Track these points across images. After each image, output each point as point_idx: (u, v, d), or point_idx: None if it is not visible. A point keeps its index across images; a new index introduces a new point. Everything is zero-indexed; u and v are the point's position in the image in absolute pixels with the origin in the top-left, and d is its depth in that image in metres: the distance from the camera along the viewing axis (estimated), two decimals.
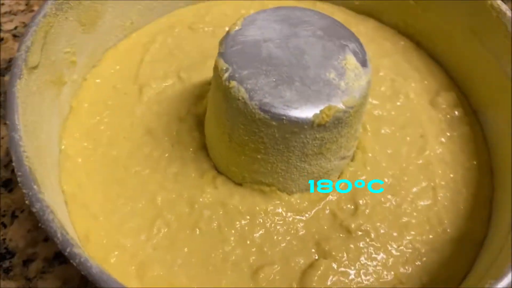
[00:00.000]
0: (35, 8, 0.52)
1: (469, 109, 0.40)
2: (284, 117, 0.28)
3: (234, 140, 0.31)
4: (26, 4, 0.52)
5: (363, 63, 0.30)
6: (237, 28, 0.31)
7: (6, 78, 0.46)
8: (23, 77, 0.29)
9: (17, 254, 0.36)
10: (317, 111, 0.28)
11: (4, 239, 0.37)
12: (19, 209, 0.38)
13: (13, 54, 0.48)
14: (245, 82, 0.29)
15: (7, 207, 0.39)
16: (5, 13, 0.51)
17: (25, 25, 0.50)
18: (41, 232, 0.37)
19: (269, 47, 0.31)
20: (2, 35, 0.49)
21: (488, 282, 0.24)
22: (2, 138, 0.42)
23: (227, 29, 0.43)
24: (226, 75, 0.29)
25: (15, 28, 0.50)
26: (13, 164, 0.26)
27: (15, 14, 0.51)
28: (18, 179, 0.25)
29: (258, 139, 0.30)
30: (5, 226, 0.38)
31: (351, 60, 0.30)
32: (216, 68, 0.30)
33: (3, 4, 0.51)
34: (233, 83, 0.29)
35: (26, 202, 0.25)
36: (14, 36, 0.49)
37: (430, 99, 0.40)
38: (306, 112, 0.28)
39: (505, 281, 0.24)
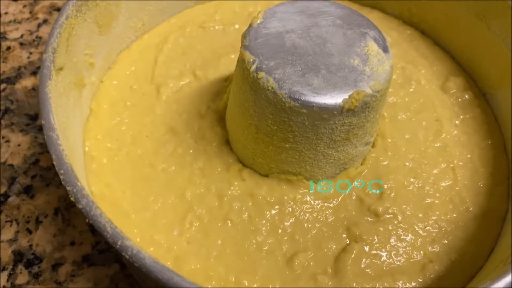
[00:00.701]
0: (39, 15, 0.52)
1: (479, 92, 0.41)
2: (314, 104, 0.29)
3: (262, 131, 0.32)
4: (30, 12, 0.52)
5: (385, 48, 0.31)
6: (259, 21, 0.32)
7: (17, 86, 0.46)
8: (52, 78, 0.29)
9: (45, 259, 0.36)
10: (345, 96, 0.29)
11: (30, 245, 0.37)
12: (42, 215, 0.38)
13: (21, 62, 0.48)
14: (273, 72, 0.29)
15: (31, 213, 0.38)
16: (10, 21, 0.51)
17: (31, 33, 0.50)
18: (66, 236, 0.37)
19: (292, 37, 0.31)
20: (8, 43, 0.49)
21: None
22: (19, 145, 0.42)
23: (237, 26, 0.44)
24: (253, 66, 0.30)
25: (21, 36, 0.50)
26: (54, 163, 0.26)
27: (19, 22, 0.51)
28: (61, 177, 0.25)
29: (287, 128, 0.30)
30: (30, 232, 0.38)
31: (373, 47, 0.31)
32: (242, 60, 0.31)
33: (7, 13, 0.51)
34: (262, 74, 0.29)
35: (72, 199, 0.25)
36: (21, 44, 0.49)
37: (440, 84, 0.41)
38: (335, 98, 0.29)
39: None
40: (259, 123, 0.32)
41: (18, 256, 0.36)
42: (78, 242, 0.37)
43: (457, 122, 0.39)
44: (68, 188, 0.25)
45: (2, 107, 0.44)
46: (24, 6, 0.52)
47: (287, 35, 0.31)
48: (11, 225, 0.38)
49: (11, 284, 0.35)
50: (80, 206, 0.24)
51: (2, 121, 0.43)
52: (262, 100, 0.30)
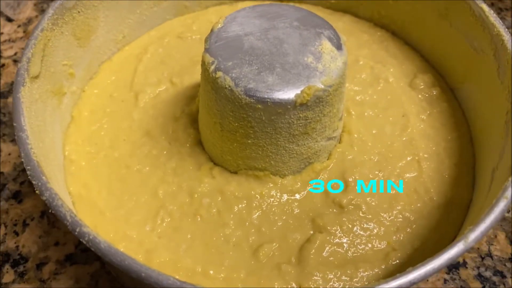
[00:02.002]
0: None
1: (446, 87, 0.42)
2: (269, 100, 0.30)
3: (226, 128, 0.33)
4: (24, 31, 0.55)
5: (338, 46, 0.33)
6: (219, 26, 0.34)
7: (9, 99, 0.49)
8: (26, 85, 0.32)
9: (31, 258, 0.38)
10: (298, 91, 0.30)
11: (17, 246, 0.39)
12: (29, 218, 0.41)
13: (14, 78, 0.50)
14: (230, 71, 0.31)
15: (18, 216, 0.41)
16: (5, 41, 0.54)
17: None
18: (51, 237, 0.39)
19: (250, 39, 0.33)
20: (3, 61, 0.52)
21: (467, 228, 0.26)
22: (9, 154, 0.44)
23: None
24: (212, 67, 0.32)
25: (15, 54, 0.53)
26: (22, 159, 0.28)
27: (14, 41, 0.54)
28: (28, 172, 0.27)
29: (247, 124, 0.32)
30: (17, 234, 0.40)
31: (327, 45, 0.33)
32: (203, 62, 0.33)
33: (2, 33, 0.54)
34: (219, 73, 0.31)
35: (36, 191, 0.27)
36: (15, 61, 0.52)
37: (408, 82, 0.42)
38: (288, 94, 0.30)
39: (480, 228, 0.25)
40: (222, 121, 0.33)
41: (5, 257, 0.38)
42: (62, 243, 0.39)
43: (423, 116, 0.40)
44: (34, 182, 0.27)
45: None
46: (19, 26, 0.55)
47: (245, 37, 0.33)
48: None
49: None
50: (44, 198, 0.26)
51: None
52: (222, 99, 0.32)
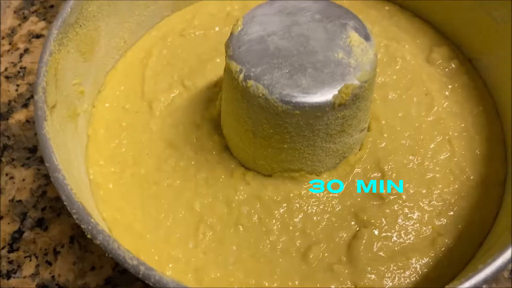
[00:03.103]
0: (20, 45, 0.51)
1: (464, 59, 0.42)
2: (306, 104, 0.29)
3: (259, 135, 0.32)
4: (10, 43, 0.52)
5: (366, 37, 0.32)
6: (239, 28, 0.32)
7: (10, 121, 0.46)
8: (47, 118, 0.30)
9: (69, 287, 0.37)
10: (335, 92, 0.29)
11: (53, 276, 0.38)
12: (59, 245, 0.39)
13: (10, 96, 0.48)
14: (262, 78, 0.30)
15: (47, 245, 0.39)
16: None
17: (15, 65, 0.50)
18: (86, 262, 0.38)
19: (274, 40, 0.32)
20: None
21: None
22: (23, 180, 0.43)
23: (217, 29, 0.44)
24: (241, 76, 0.30)
25: (6, 69, 0.50)
26: (65, 203, 0.27)
27: (1, 55, 0.51)
28: (74, 216, 0.26)
29: (283, 130, 0.31)
30: (50, 264, 0.39)
31: (355, 37, 0.32)
32: (229, 71, 0.31)
33: None
34: (251, 82, 0.30)
35: (88, 236, 0.26)
36: (7, 77, 0.49)
37: (425, 57, 0.42)
38: (325, 95, 0.29)
39: None
40: (255, 128, 0.32)
41: None
42: (98, 266, 0.38)
43: (446, 93, 0.40)
44: (83, 226, 0.26)
45: (0, 145, 0.44)
46: (3, 37, 0.52)
47: (269, 38, 0.32)
48: (30, 260, 0.39)
49: None
50: (98, 242, 0.25)
51: (3, 158, 0.44)
52: (255, 107, 0.31)
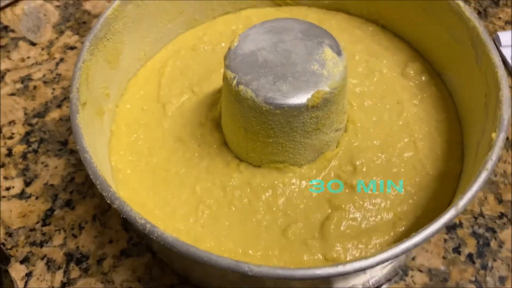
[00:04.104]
0: (56, 55, 0.60)
1: (434, 73, 0.48)
2: (285, 105, 0.36)
3: (249, 131, 0.39)
4: (48, 54, 0.60)
5: (338, 53, 0.39)
6: (235, 44, 0.40)
7: (46, 118, 0.54)
8: (79, 112, 0.37)
9: (91, 256, 0.45)
10: (309, 96, 0.36)
11: (77, 246, 0.45)
12: (83, 222, 0.47)
13: (47, 98, 0.56)
14: (250, 84, 0.37)
15: (73, 221, 0.47)
16: (33, 64, 0.59)
17: (51, 71, 0.59)
18: (105, 236, 0.46)
19: (263, 54, 0.39)
20: (34, 83, 0.58)
21: (458, 197, 0.32)
22: (56, 167, 0.51)
23: (223, 45, 0.52)
24: (234, 81, 0.38)
25: (44, 75, 0.58)
26: (91, 177, 0.34)
27: (40, 63, 0.59)
28: (98, 187, 0.34)
29: (268, 127, 0.38)
30: (75, 236, 0.46)
31: (329, 52, 0.39)
32: (225, 78, 0.39)
33: (29, 57, 0.60)
34: (241, 87, 0.37)
35: (108, 201, 0.33)
36: (45, 82, 0.58)
37: (400, 71, 0.48)
38: (301, 99, 0.36)
39: (468, 196, 0.32)
40: (246, 125, 0.39)
41: (69, 257, 0.45)
42: (115, 240, 0.46)
43: (415, 101, 0.46)
44: (104, 194, 0.33)
45: (37, 138, 0.53)
46: (42, 49, 0.61)
47: (259, 52, 0.39)
48: (59, 233, 0.46)
49: (67, 279, 0.44)
50: (115, 206, 0.32)
51: (39, 149, 0.52)
52: (245, 107, 0.38)
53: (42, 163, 0.51)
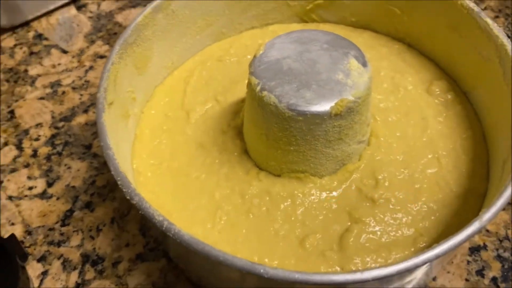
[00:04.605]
0: (86, 63, 0.62)
1: (460, 91, 0.48)
2: (308, 112, 0.36)
3: (271, 138, 0.39)
4: (78, 61, 0.62)
5: (364, 64, 0.39)
6: (261, 52, 0.40)
7: (73, 123, 0.56)
8: (105, 110, 0.38)
9: (107, 258, 0.45)
10: (332, 104, 0.36)
11: (94, 248, 0.46)
12: (101, 224, 0.47)
13: (74, 103, 0.58)
14: (274, 90, 0.37)
15: (92, 223, 0.47)
16: (63, 71, 0.61)
17: (81, 78, 0.60)
18: (122, 239, 0.46)
19: (288, 62, 0.39)
20: (63, 88, 0.59)
21: (482, 211, 0.31)
22: (78, 170, 0.51)
23: (249, 57, 0.53)
24: (258, 87, 0.38)
25: (73, 82, 0.60)
26: (112, 173, 0.34)
27: (70, 70, 0.61)
28: (118, 182, 0.34)
29: (289, 134, 0.38)
30: (93, 238, 0.46)
31: (354, 63, 0.39)
32: (249, 84, 0.39)
33: (60, 64, 0.62)
34: (265, 93, 0.37)
35: (127, 197, 0.33)
36: (73, 88, 0.59)
37: (425, 88, 0.48)
38: (324, 106, 0.36)
39: (492, 210, 0.31)
40: (267, 132, 0.39)
41: (85, 258, 0.45)
42: (131, 244, 0.46)
43: (440, 119, 0.46)
44: (124, 190, 0.33)
45: (63, 141, 0.54)
46: (73, 56, 0.63)
47: (284, 60, 0.39)
48: (77, 234, 0.47)
49: (81, 280, 0.44)
50: (134, 202, 0.33)
51: (64, 152, 0.53)
52: (268, 113, 0.38)
53: (65, 165, 0.52)
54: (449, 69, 0.49)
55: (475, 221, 0.31)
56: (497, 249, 0.43)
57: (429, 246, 0.37)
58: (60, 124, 0.56)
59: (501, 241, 0.44)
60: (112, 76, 0.41)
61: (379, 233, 0.39)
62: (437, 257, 0.29)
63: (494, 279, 0.42)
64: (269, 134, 0.39)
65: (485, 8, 0.65)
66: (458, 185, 0.41)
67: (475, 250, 0.44)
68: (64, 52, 0.64)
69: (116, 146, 0.39)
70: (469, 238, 0.30)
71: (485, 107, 0.45)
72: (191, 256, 0.34)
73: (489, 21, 0.42)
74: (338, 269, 0.37)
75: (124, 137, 0.44)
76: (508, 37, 0.57)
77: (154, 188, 0.42)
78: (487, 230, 0.45)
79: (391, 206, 0.40)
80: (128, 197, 0.33)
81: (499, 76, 0.41)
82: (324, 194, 0.41)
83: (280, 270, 0.29)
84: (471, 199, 0.40)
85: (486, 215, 0.31)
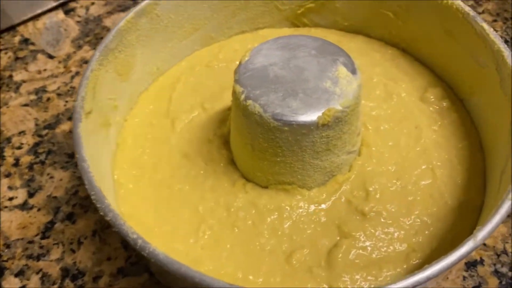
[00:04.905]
0: (72, 69, 0.60)
1: (456, 99, 0.46)
2: (294, 122, 0.35)
3: (256, 149, 0.38)
4: (65, 67, 0.60)
5: (353, 71, 0.37)
6: (246, 58, 0.38)
7: (57, 130, 0.54)
8: (82, 120, 0.36)
9: (87, 273, 0.43)
10: (319, 113, 0.35)
11: (74, 262, 0.44)
12: (83, 236, 0.45)
13: (59, 110, 0.56)
14: (259, 99, 0.36)
15: (73, 236, 0.45)
16: (49, 76, 0.59)
17: (66, 84, 0.58)
18: (104, 253, 0.44)
19: (274, 69, 0.37)
20: (48, 95, 0.57)
21: (477, 229, 0.29)
22: (61, 179, 0.50)
23: (237, 63, 0.51)
24: (242, 96, 0.36)
25: (58, 88, 0.58)
26: (86, 187, 0.33)
27: (56, 76, 0.59)
28: (92, 197, 0.32)
29: (275, 144, 0.36)
30: (74, 251, 0.44)
31: (342, 70, 0.37)
32: (234, 92, 0.37)
33: (45, 69, 0.60)
34: (249, 102, 0.36)
35: (101, 213, 0.31)
36: (58, 94, 0.57)
37: (420, 96, 0.46)
38: (311, 116, 0.35)
39: (488, 228, 0.29)
40: (253, 142, 0.38)
41: (65, 272, 0.43)
42: (113, 257, 0.44)
43: (435, 127, 0.44)
44: (98, 206, 0.31)
45: (46, 149, 0.52)
46: (60, 62, 0.61)
47: (270, 67, 0.38)
48: (58, 247, 0.45)
49: None
50: (108, 219, 0.31)
51: (47, 161, 0.51)
52: (253, 123, 0.36)
53: (48, 174, 0.50)
54: (445, 76, 0.47)
55: (469, 241, 0.29)
56: (494, 264, 0.42)
57: (423, 263, 0.36)
58: (44, 132, 0.54)
59: (498, 255, 0.42)
60: (91, 83, 0.39)
61: (369, 248, 0.37)
62: (428, 279, 0.27)
63: None
64: (255, 144, 0.37)
65: (482, 12, 0.63)
66: (453, 197, 0.39)
67: (471, 265, 0.42)
68: (51, 57, 0.62)
69: (95, 157, 0.37)
70: (462, 258, 0.28)
71: (482, 115, 0.43)
72: (171, 276, 0.32)
73: (486, 26, 0.40)
74: (326, 287, 0.35)
75: (104, 147, 0.42)
76: (506, 42, 0.56)
77: (136, 201, 0.41)
78: (484, 244, 0.43)
79: (382, 220, 0.38)
80: (101, 213, 0.31)
81: (496, 84, 0.39)
82: (312, 207, 0.39)
83: None
84: (466, 212, 0.38)
85: (481, 234, 0.29)
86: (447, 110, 0.45)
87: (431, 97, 0.46)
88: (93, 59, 0.40)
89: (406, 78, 0.48)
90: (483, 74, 0.42)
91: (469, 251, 0.28)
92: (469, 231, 0.37)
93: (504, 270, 0.41)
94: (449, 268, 0.28)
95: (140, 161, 0.43)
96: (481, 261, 0.42)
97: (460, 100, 0.46)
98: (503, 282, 0.40)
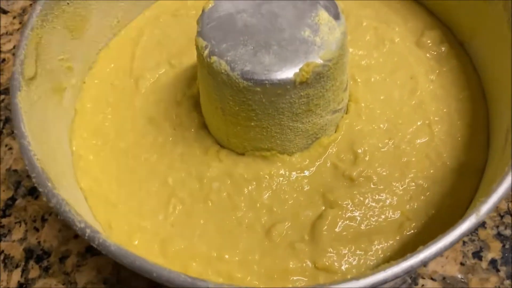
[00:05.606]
0: None
1: (456, 43, 0.40)
2: (267, 81, 0.29)
3: (227, 113, 0.33)
4: (20, 23, 0.54)
5: (336, 16, 0.31)
6: (210, 5, 0.33)
7: None
8: (22, 88, 0.31)
9: (53, 253, 0.40)
10: (296, 70, 0.29)
11: (39, 242, 0.40)
12: (47, 213, 0.41)
13: None
14: (225, 55, 0.30)
15: (36, 212, 0.42)
16: (3, 34, 0.53)
17: None
18: (70, 231, 0.40)
19: (243, 17, 0.32)
20: (3, 55, 0.52)
21: (479, 200, 0.25)
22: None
23: None
24: (206, 51, 0.31)
25: (14, 47, 0.52)
26: (27, 167, 0.28)
27: (11, 34, 0.53)
28: (33, 180, 0.28)
29: (248, 107, 0.31)
30: (37, 230, 0.41)
31: (324, 15, 0.31)
32: (197, 47, 0.32)
33: None
34: (214, 58, 0.30)
35: (44, 199, 0.27)
36: (14, 55, 0.52)
37: (415, 40, 0.41)
38: (286, 73, 0.29)
39: (493, 199, 0.25)
40: (223, 105, 0.33)
41: (29, 253, 0.40)
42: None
43: (432, 76, 0.39)
44: (40, 189, 0.27)
45: (2, 117, 0.47)
46: (14, 17, 0.55)
47: (238, 15, 0.32)
48: (20, 226, 0.41)
49: (24, 279, 0.38)
50: (51, 205, 0.26)
51: (4, 130, 0.46)
52: (220, 84, 0.31)
53: (6, 145, 0.45)
54: (443, 16, 0.41)
55: (471, 215, 0.24)
56: (497, 226, 0.38)
57: (417, 233, 0.32)
58: (1, 97, 0.49)
59: (502, 216, 0.38)
60: (32, 44, 0.34)
61: (358, 218, 0.33)
62: (423, 263, 0.24)
63: (493, 262, 0.36)
64: (225, 108, 0.33)
65: None
66: (452, 157, 0.35)
67: None
68: (4, 12, 0.55)
69: (43, 128, 0.33)
70: (462, 237, 0.24)
71: (485, 61, 0.38)
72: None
73: None
74: (310, 264, 0.32)
75: (58, 115, 0.37)
76: None
77: (97, 174, 0.36)
78: None
79: (372, 186, 0.34)
80: (45, 199, 0.27)
81: (503, 23, 0.34)
82: (294, 174, 0.35)
83: (226, 285, 0.23)
84: (468, 174, 0.34)
85: (485, 207, 0.25)
86: (446, 56, 0.40)
87: (428, 41, 0.40)
88: (33, 15, 0.34)
89: (400, 20, 0.42)
90: (488, 12, 0.36)
91: (471, 227, 0.24)
92: (470, 195, 0.34)
93: (508, 232, 0.37)
94: (446, 249, 0.24)
95: (101, 129, 0.39)
96: (483, 223, 0.38)
97: (461, 44, 0.40)
98: (506, 246, 0.37)
